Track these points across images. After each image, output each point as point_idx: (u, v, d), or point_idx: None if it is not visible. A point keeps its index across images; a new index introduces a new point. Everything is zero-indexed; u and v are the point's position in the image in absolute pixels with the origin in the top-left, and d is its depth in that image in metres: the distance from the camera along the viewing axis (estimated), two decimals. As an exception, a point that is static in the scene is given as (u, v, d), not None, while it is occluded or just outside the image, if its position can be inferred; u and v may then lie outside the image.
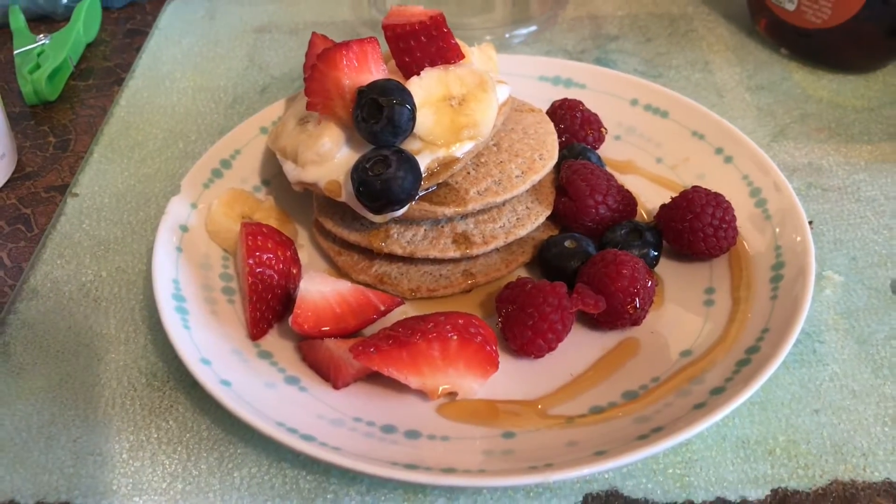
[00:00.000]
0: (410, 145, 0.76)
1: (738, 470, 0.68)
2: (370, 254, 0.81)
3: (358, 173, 0.73)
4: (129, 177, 0.99)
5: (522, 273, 0.82)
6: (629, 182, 0.90)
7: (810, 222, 0.85)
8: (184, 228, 0.82)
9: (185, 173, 0.90)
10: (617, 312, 0.73)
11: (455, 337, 0.67)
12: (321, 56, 0.76)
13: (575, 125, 0.90)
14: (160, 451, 0.71)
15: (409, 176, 0.73)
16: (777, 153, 0.98)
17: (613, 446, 0.62)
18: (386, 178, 0.72)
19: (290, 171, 0.80)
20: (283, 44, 1.22)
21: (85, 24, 1.22)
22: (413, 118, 0.74)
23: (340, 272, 0.82)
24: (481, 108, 0.77)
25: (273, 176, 0.90)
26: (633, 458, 0.60)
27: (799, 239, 0.76)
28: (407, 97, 0.74)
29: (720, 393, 0.65)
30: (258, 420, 0.64)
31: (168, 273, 0.76)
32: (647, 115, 0.95)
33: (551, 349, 0.72)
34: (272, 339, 0.76)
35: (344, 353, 0.69)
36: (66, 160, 1.04)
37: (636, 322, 0.74)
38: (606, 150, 0.93)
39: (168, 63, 1.18)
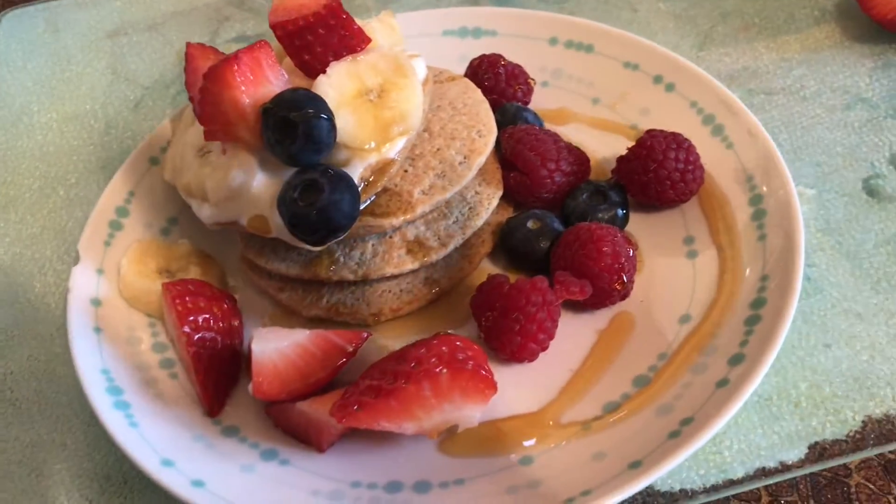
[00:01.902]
0: (336, 157, 0.66)
1: (768, 432, 0.63)
2: (317, 284, 0.71)
3: (287, 206, 0.63)
4: (12, 243, 0.86)
5: (486, 265, 0.74)
6: (569, 132, 0.83)
7: (765, 135, 0.79)
8: (96, 303, 0.71)
9: (75, 226, 0.78)
10: (605, 293, 0.66)
11: (444, 370, 0.59)
12: (209, 75, 0.64)
13: (500, 83, 0.82)
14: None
15: (345, 196, 0.63)
16: (710, 64, 0.92)
17: (647, 453, 0.57)
18: (321, 206, 0.62)
19: (202, 211, 0.70)
20: (144, 45, 1.07)
21: None
22: (333, 127, 0.64)
23: (286, 310, 0.72)
24: (404, 97, 0.67)
25: (179, 212, 0.79)
26: (671, 463, 0.55)
27: (770, 164, 0.71)
28: (320, 105, 0.63)
29: (740, 362, 0.60)
30: (250, 523, 0.55)
31: (93, 364, 0.66)
32: (570, 53, 0.87)
33: (544, 349, 0.65)
34: (233, 410, 0.66)
35: (323, 415, 0.61)
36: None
37: (625, 296, 0.68)
38: (536, 101, 0.85)
39: (20, 95, 1.03)
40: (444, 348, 0.60)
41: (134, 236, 0.77)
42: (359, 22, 0.70)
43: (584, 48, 0.86)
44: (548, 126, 0.83)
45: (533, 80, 0.84)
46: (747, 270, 0.67)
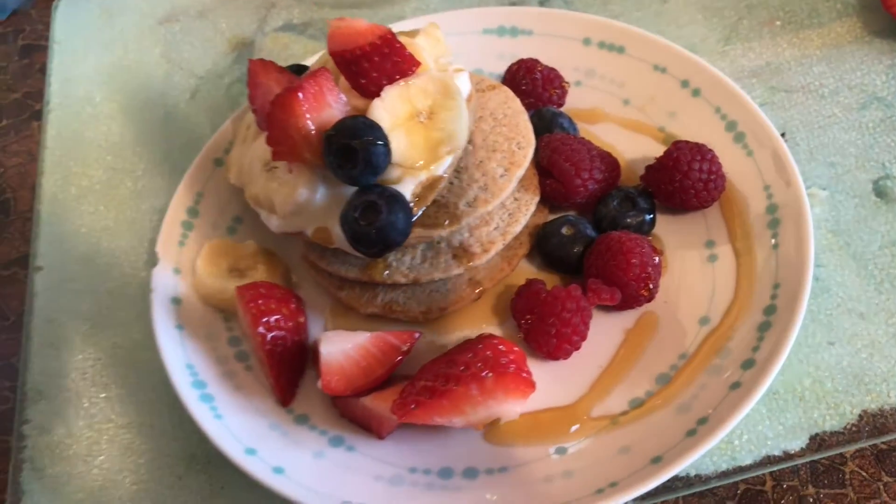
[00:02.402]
0: (390, 174, 0.73)
1: (774, 423, 0.71)
2: (372, 284, 0.79)
3: (349, 224, 0.71)
4: (87, 235, 0.94)
5: (524, 264, 0.81)
6: (600, 131, 0.89)
7: (783, 134, 0.86)
8: (176, 301, 0.79)
9: (144, 218, 0.88)
10: (632, 298, 0.74)
11: (489, 374, 0.67)
12: (277, 104, 0.71)
13: (537, 88, 0.88)
14: (226, 538, 0.72)
15: (400, 215, 0.70)
16: (734, 58, 0.97)
17: (667, 449, 0.65)
18: (379, 227, 0.70)
19: (271, 221, 0.78)
20: (195, 32, 1.13)
21: (-25, 55, 1.12)
22: (389, 152, 0.71)
23: (345, 307, 0.80)
24: (452, 118, 0.74)
25: (244, 210, 0.87)
26: (688, 460, 0.63)
27: (786, 175, 0.77)
28: (377, 133, 0.70)
29: (751, 367, 0.68)
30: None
31: (179, 360, 0.75)
32: (602, 54, 0.92)
33: (577, 349, 0.73)
34: (303, 399, 0.75)
35: (383, 410, 0.70)
36: (14, 226, 0.99)
37: (651, 299, 0.75)
38: (570, 100, 0.91)
39: (81, 84, 1.09)
40: (488, 353, 0.69)
41: (204, 236, 0.85)
42: (404, 40, 0.76)
43: (616, 49, 0.91)
44: (580, 125, 0.89)
45: (567, 83, 0.90)
46: (762, 276, 0.74)
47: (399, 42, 0.73)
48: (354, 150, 0.69)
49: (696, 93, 0.86)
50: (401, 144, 0.72)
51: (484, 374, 0.67)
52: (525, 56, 0.93)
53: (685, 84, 0.87)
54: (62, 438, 0.80)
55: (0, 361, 0.86)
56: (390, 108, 0.73)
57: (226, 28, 1.12)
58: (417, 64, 0.75)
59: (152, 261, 0.82)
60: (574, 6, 1.06)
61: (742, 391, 0.66)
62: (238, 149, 0.86)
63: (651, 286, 0.73)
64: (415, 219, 0.75)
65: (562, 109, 0.90)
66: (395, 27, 0.92)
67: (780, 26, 0.99)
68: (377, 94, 0.74)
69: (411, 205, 0.73)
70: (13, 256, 0.94)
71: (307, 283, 0.84)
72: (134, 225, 0.94)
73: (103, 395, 0.82)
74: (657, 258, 0.75)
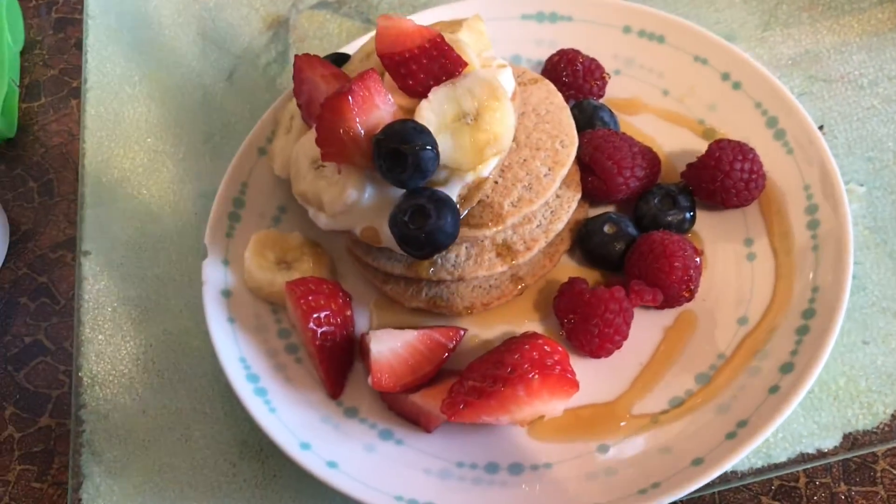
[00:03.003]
0: (437, 176, 0.75)
1: (809, 422, 0.74)
2: (417, 278, 0.81)
3: (399, 227, 0.72)
4: (131, 219, 0.96)
5: (566, 260, 0.83)
6: (639, 122, 0.90)
7: (821, 127, 0.87)
8: (226, 294, 0.82)
9: (186, 201, 0.91)
10: (674, 299, 0.76)
11: (536, 376, 0.70)
12: (327, 106, 0.73)
13: (578, 80, 0.88)
14: (282, 524, 0.75)
15: (448, 219, 0.72)
16: (773, 45, 0.97)
17: (707, 451, 0.68)
18: (429, 230, 0.71)
19: (319, 219, 0.79)
20: (230, 10, 1.13)
21: (10, 31, 1.12)
22: (437, 157, 0.72)
23: (390, 299, 0.82)
24: (498, 119, 0.75)
25: (288, 200, 0.88)
26: (729, 462, 0.66)
27: (825, 175, 0.78)
28: (426, 138, 0.71)
29: (790, 371, 0.70)
30: (381, 500, 0.68)
31: (232, 354, 0.77)
32: (643, 43, 0.92)
33: (619, 348, 0.76)
34: (351, 392, 0.78)
35: (432, 407, 0.72)
36: (59, 208, 1.01)
37: (691, 300, 0.77)
38: (610, 89, 0.92)
39: (118, 63, 1.10)
40: (535, 354, 0.71)
41: (251, 226, 0.86)
42: (449, 37, 0.77)
43: (656, 38, 0.91)
44: (620, 116, 0.90)
45: (608, 74, 0.90)
46: (800, 278, 0.75)
47: (447, 45, 0.73)
48: (404, 155, 0.71)
49: (736, 86, 0.86)
50: (448, 146, 0.73)
51: (531, 375, 0.69)
52: (564, 43, 0.93)
53: (726, 77, 0.87)
54: (119, 423, 0.83)
55: (53, 346, 0.89)
56: (437, 110, 0.74)
57: (260, 5, 1.12)
58: (464, 65, 0.76)
59: (200, 251, 0.83)
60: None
61: (781, 395, 0.69)
62: (282, 139, 0.88)
63: (693, 287, 0.75)
64: (461, 218, 0.76)
65: (602, 100, 0.90)
66: (436, 13, 0.93)
67: (819, 12, 0.98)
68: (423, 95, 0.75)
69: (458, 206, 0.74)
70: (60, 239, 0.96)
71: (352, 275, 0.86)
72: (177, 209, 0.96)
73: (156, 381, 0.85)
74: (698, 259, 0.76)
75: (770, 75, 0.85)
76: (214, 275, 0.82)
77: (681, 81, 0.90)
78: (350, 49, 0.93)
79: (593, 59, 0.90)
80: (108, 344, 0.88)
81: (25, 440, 0.87)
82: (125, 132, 1.03)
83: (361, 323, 0.83)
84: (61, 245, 0.97)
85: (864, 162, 0.87)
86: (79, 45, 1.14)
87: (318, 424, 0.75)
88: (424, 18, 0.94)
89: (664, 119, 0.89)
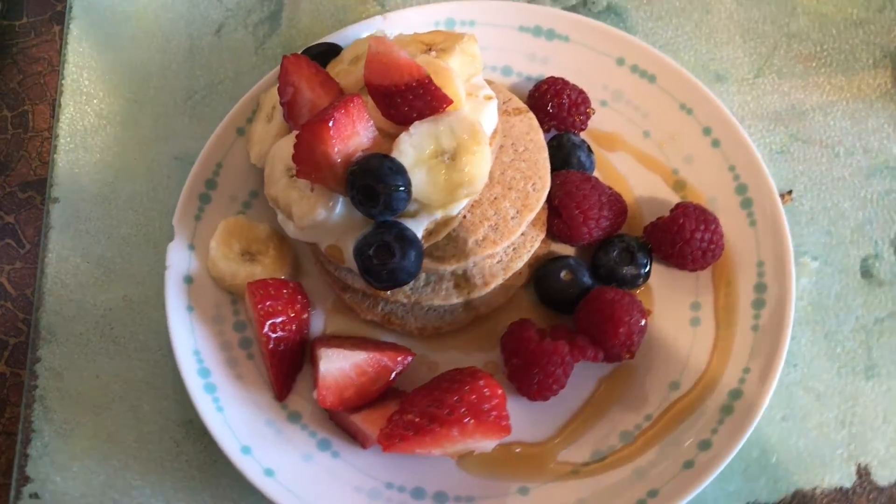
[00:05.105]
0: (407, 209, 0.76)
1: (716, 490, 0.80)
2: (374, 294, 0.84)
3: (362, 259, 0.74)
4: (104, 171, 0.96)
5: (521, 294, 0.86)
6: (616, 160, 0.91)
7: (790, 192, 0.89)
8: (188, 280, 0.84)
9: (161, 163, 0.93)
10: (615, 358, 0.79)
11: (471, 421, 0.74)
12: (307, 128, 0.73)
13: (563, 112, 0.89)
14: (216, 510, 0.80)
15: (411, 258, 0.74)
16: (761, 94, 0.97)
17: (617, 513, 0.73)
18: (391, 268, 0.73)
19: (287, 226, 0.81)
20: (227, -48, 1.09)
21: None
22: (409, 197, 0.74)
23: (347, 308, 0.85)
24: (475, 162, 0.76)
25: (261, 186, 0.89)
26: (634, 529, 0.71)
27: (780, 260, 0.81)
28: (400, 179, 0.73)
29: (707, 449, 0.75)
30: (308, 515, 0.73)
31: (187, 346, 0.80)
32: (634, 78, 0.92)
33: (555, 395, 0.80)
34: (298, 395, 0.82)
35: (370, 430, 0.77)
36: (32, 143, 1.01)
37: (631, 359, 0.81)
38: (593, 120, 0.92)
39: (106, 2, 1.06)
40: (473, 397, 0.75)
41: (221, 209, 0.87)
42: (437, 64, 0.77)
43: (647, 77, 0.91)
44: (597, 149, 0.91)
45: (592, 109, 0.90)
46: (735, 356, 0.79)
47: (434, 85, 0.74)
48: (377, 193, 0.72)
49: (715, 143, 0.88)
50: (421, 181, 0.75)
51: (466, 420, 0.74)
52: (557, 62, 0.93)
53: (707, 131, 0.88)
54: (73, 384, 0.86)
55: (15, 291, 0.90)
56: (417, 145, 0.75)
57: (259, -45, 1.08)
58: (449, 102, 0.76)
59: (169, 234, 0.85)
60: (616, 1, 1.04)
61: (694, 472, 0.74)
62: (261, 125, 0.88)
63: (634, 349, 0.79)
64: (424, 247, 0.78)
65: (583, 132, 0.91)
66: (437, 10, 0.92)
67: (814, 66, 0.99)
68: (406, 123, 0.76)
69: (422, 241, 0.76)
70: (30, 178, 0.96)
71: (314, 273, 0.88)
72: (151, 168, 0.96)
73: (112, 348, 0.88)
74: (644, 321, 0.79)
75: (749, 142, 0.86)
76: (179, 259, 0.84)
77: (663, 126, 0.90)
78: (343, 38, 0.91)
79: (581, 92, 0.90)
80: (68, 301, 0.90)
81: (-21, 383, 0.90)
82: (106, 73, 1.02)
83: (317, 323, 0.85)
84: (31, 185, 0.97)
85: (822, 235, 0.90)
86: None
87: (262, 428, 0.79)
88: (422, 16, 0.92)
89: (640, 161, 0.91)
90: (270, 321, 0.80)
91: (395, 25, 0.94)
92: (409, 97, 0.74)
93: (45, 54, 1.05)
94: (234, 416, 0.78)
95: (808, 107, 0.96)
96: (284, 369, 0.81)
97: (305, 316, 0.84)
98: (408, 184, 0.73)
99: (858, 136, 0.95)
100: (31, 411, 0.85)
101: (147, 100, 1.00)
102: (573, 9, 1.04)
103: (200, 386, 0.79)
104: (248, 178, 0.89)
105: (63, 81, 1.01)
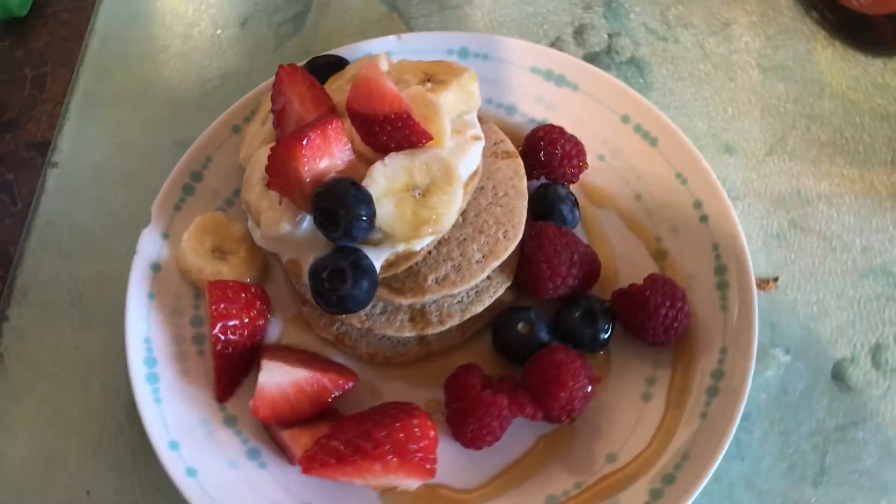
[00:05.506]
0: (370, 236, 0.76)
1: (636, 570, 0.78)
2: (332, 313, 0.84)
3: (315, 282, 0.74)
4: (106, 144, 0.98)
5: (478, 338, 0.85)
6: (602, 215, 0.90)
7: (776, 279, 0.87)
8: (155, 268, 0.85)
9: (162, 145, 0.94)
10: (554, 420, 0.78)
11: (394, 459, 0.73)
12: (282, 143, 0.74)
13: (553, 162, 0.87)
14: (142, 497, 0.81)
15: (364, 287, 0.74)
16: (768, 174, 0.95)
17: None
18: (341, 294, 0.73)
19: (254, 233, 0.82)
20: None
21: None
22: (370, 227, 0.74)
23: (306, 322, 0.85)
24: (444, 202, 0.75)
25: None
26: None
27: (743, 352, 0.78)
28: (365, 210, 0.72)
29: (629, 531, 0.73)
30: (218, 523, 0.73)
31: (139, 331, 0.81)
32: (635, 139, 0.90)
33: (489, 446, 0.79)
34: (238, 399, 0.82)
35: (296, 449, 0.77)
36: (45, 105, 1.03)
37: (571, 423, 0.79)
38: (587, 173, 0.91)
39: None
40: (401, 435, 0.74)
41: (202, 202, 0.88)
42: (429, 98, 0.76)
43: (649, 139, 0.89)
44: (585, 203, 0.90)
45: (586, 164, 0.89)
46: (676, 441, 0.77)
47: (413, 121, 0.73)
48: (338, 218, 0.72)
49: (703, 219, 0.85)
50: (388, 212, 0.74)
51: (389, 457, 0.73)
52: (562, 108, 0.92)
53: (698, 205, 0.86)
54: (34, 349, 0.88)
55: (1, 248, 0.93)
56: (389, 175, 0.75)
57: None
58: (429, 139, 0.75)
59: (146, 218, 0.86)
60: (641, 53, 1.02)
61: (610, 553, 0.72)
62: (255, 127, 0.88)
63: (575, 415, 0.77)
64: (380, 277, 0.78)
65: (573, 184, 0.90)
66: (454, 38, 0.91)
67: (829, 153, 0.96)
68: (384, 152, 0.75)
69: (378, 271, 0.76)
70: (37, 139, 0.98)
71: (281, 280, 0.88)
72: (150, 149, 0.98)
73: (77, 319, 0.89)
74: (590, 388, 0.78)
75: (737, 223, 0.83)
76: (150, 246, 0.85)
77: (656, 192, 0.88)
78: (355, 52, 0.92)
79: (577, 144, 0.88)
80: (47, 265, 0.92)
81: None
82: (128, 49, 1.04)
83: (275, 331, 0.86)
84: (36, 146, 1.00)
85: (799, 329, 0.87)
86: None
87: (195, 426, 0.79)
88: (437, 42, 0.92)
89: (626, 222, 0.89)
90: (222, 323, 0.80)
91: (408, 47, 0.94)
92: (387, 128, 0.74)
93: (75, 21, 1.08)
94: (169, 410, 0.79)
95: (814, 194, 0.93)
96: (229, 372, 0.81)
97: (262, 322, 0.84)
98: (371, 214, 0.73)
99: (860, 234, 0.91)
100: (-11, 367, 0.87)
101: (161, 80, 1.02)
102: (596, 55, 1.02)
103: (143, 374, 0.80)
104: (235, 176, 0.90)
105: (86, 50, 1.03)
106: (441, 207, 0.75)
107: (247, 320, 0.82)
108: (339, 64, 0.89)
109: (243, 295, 0.82)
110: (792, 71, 1.00)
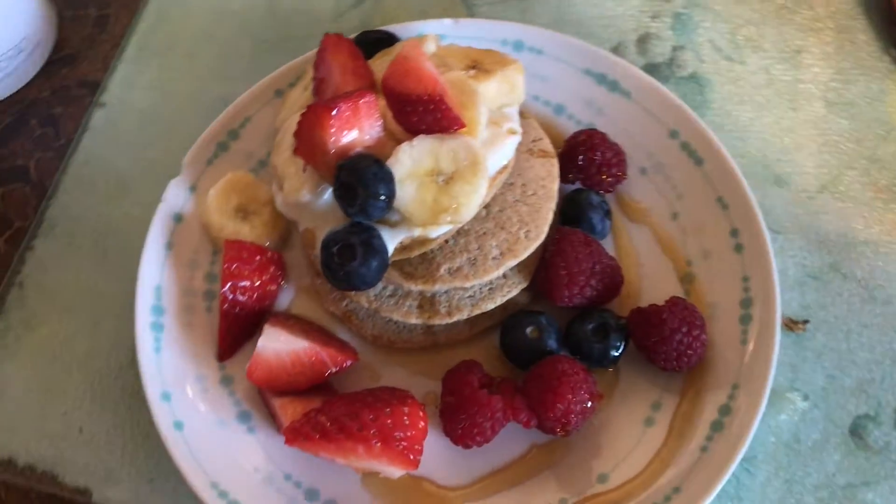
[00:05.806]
0: (389, 217, 0.75)
1: None
2: (342, 288, 0.83)
3: (325, 254, 0.73)
4: (154, 91, 0.99)
5: (487, 335, 0.83)
6: (635, 231, 0.87)
7: (806, 321, 0.83)
8: (177, 218, 0.85)
9: (206, 102, 0.94)
10: (548, 430, 0.76)
11: (378, 444, 0.72)
12: (311, 111, 0.73)
13: (591, 168, 0.85)
14: (130, 441, 0.82)
15: (372, 267, 0.73)
16: (815, 211, 0.90)
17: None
18: (348, 270, 0.72)
19: (277, 197, 0.81)
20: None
21: None
22: (387, 208, 0.72)
23: (317, 293, 0.85)
24: (466, 192, 0.73)
25: (279, 149, 0.89)
26: None
27: (755, 391, 0.75)
28: (383, 188, 0.71)
29: (608, 558, 0.71)
30: (194, 479, 0.73)
31: (151, 278, 0.81)
32: (681, 156, 0.87)
33: (478, 446, 0.77)
34: (237, 361, 0.82)
35: (284, 418, 0.76)
36: (102, 46, 1.04)
37: (567, 436, 0.77)
38: (627, 185, 0.88)
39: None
40: (389, 421, 0.73)
41: (235, 161, 0.88)
42: (471, 84, 0.75)
43: (695, 158, 0.86)
44: (619, 216, 0.87)
45: (625, 175, 0.86)
46: (671, 471, 0.74)
47: (447, 105, 0.71)
48: (357, 194, 0.71)
49: (738, 248, 0.82)
50: (408, 195, 0.73)
51: (374, 442, 0.72)
52: (611, 114, 0.90)
53: (734, 233, 0.82)
54: (52, 283, 0.90)
55: (36, 177, 0.94)
56: (415, 158, 0.73)
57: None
58: (461, 125, 0.74)
59: (180, 169, 0.86)
60: (704, 70, 0.98)
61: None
62: (298, 92, 0.88)
63: (570, 428, 0.75)
64: (395, 260, 0.77)
65: (609, 194, 0.87)
66: (512, 29, 0.89)
67: (885, 197, 0.91)
68: (414, 133, 0.74)
69: (391, 253, 0.75)
70: (89, 78, 0.99)
71: (300, 247, 0.87)
72: (198, 103, 0.98)
73: (96, 259, 0.91)
74: (590, 403, 0.75)
75: (772, 259, 0.79)
76: (176, 196, 0.85)
77: (694, 214, 0.85)
78: (410, 30, 0.90)
79: (618, 153, 0.86)
80: (78, 202, 0.93)
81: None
82: (189, 1, 1.04)
83: (286, 298, 0.85)
84: (87, 84, 1.01)
85: (822, 377, 0.83)
86: None
87: (190, 380, 0.79)
88: (493, 31, 0.91)
89: (658, 240, 0.86)
90: (232, 282, 0.80)
91: (464, 33, 0.92)
92: (419, 109, 0.72)
93: (146, -34, 1.09)
94: (168, 360, 0.79)
95: (861, 239, 0.89)
96: (233, 332, 0.81)
97: (273, 287, 0.84)
98: (390, 194, 0.72)
99: (900, 287, 0.87)
100: (7, 294, 0.89)
101: (218, 36, 1.02)
102: (656, 67, 0.99)
103: (148, 322, 0.80)
104: (271, 139, 0.89)
105: (148, 4, 1.04)
106: (463, 197, 0.73)
107: (258, 283, 0.81)
108: (390, 40, 0.88)
109: (258, 258, 0.82)
110: (860, 108, 0.96)
